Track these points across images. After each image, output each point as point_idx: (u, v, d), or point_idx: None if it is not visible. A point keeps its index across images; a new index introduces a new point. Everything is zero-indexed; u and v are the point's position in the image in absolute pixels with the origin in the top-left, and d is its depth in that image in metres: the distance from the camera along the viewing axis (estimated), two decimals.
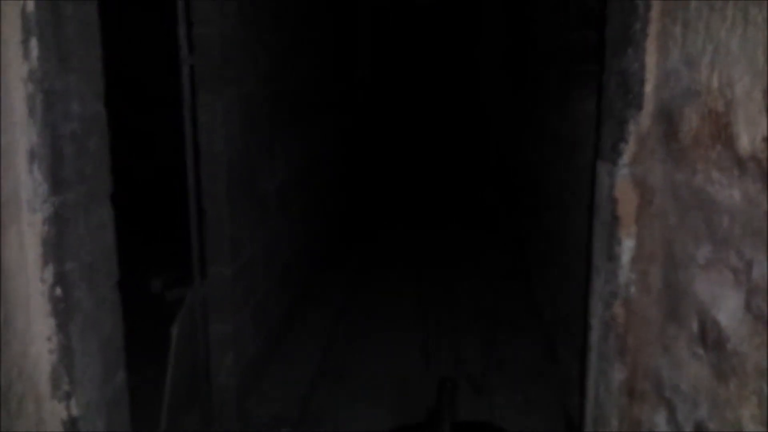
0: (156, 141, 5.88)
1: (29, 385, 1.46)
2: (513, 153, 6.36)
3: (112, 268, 1.69)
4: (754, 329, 1.01)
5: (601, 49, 1.64)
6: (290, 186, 3.95)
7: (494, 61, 7.38)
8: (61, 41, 1.42)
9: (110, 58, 1.67)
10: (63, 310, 1.46)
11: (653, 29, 1.39)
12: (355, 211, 6.46)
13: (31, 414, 1.47)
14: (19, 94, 1.35)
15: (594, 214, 1.65)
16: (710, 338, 1.15)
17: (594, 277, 1.64)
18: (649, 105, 1.42)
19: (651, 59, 1.40)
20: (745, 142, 1.02)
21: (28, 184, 1.39)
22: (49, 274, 1.43)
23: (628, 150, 1.47)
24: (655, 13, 1.38)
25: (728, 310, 1.08)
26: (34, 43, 1.34)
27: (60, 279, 1.44)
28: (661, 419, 1.38)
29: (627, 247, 1.50)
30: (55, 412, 1.49)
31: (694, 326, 1.21)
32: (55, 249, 1.43)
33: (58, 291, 1.45)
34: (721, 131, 1.10)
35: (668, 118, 1.33)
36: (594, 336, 1.64)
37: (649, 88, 1.41)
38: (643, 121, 1.43)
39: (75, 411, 1.50)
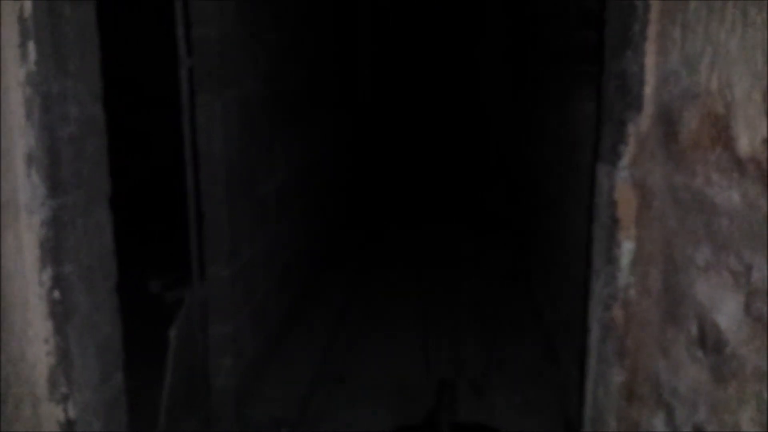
0: (155, 142, 5.88)
1: (27, 387, 1.46)
2: (513, 153, 6.36)
3: (111, 270, 1.69)
4: (753, 332, 1.01)
5: (600, 51, 1.64)
6: (290, 186, 3.95)
7: (495, 60, 7.38)
8: (58, 44, 1.42)
9: (108, 59, 1.66)
10: (61, 313, 1.45)
11: (652, 31, 1.38)
12: (355, 211, 6.46)
13: (28, 416, 1.46)
14: (16, 97, 1.35)
15: (593, 216, 1.65)
16: (709, 341, 1.15)
17: (593, 279, 1.63)
18: (648, 107, 1.42)
19: (650, 61, 1.39)
20: (744, 144, 1.02)
21: (26, 187, 1.38)
22: (47, 276, 1.43)
23: (628, 152, 1.46)
24: (654, 14, 1.38)
25: (727, 312, 1.08)
26: (31, 46, 1.34)
27: (58, 281, 1.44)
28: (659, 422, 1.38)
29: (626, 249, 1.49)
30: (53, 414, 1.49)
31: (694, 329, 1.21)
32: (53, 251, 1.42)
33: (56, 293, 1.44)
34: (721, 133, 1.09)
35: (668, 120, 1.33)
36: (593, 338, 1.64)
37: (648, 89, 1.41)
38: (643, 122, 1.43)
39: (72, 413, 1.50)
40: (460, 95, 8.99)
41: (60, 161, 1.42)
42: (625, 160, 1.48)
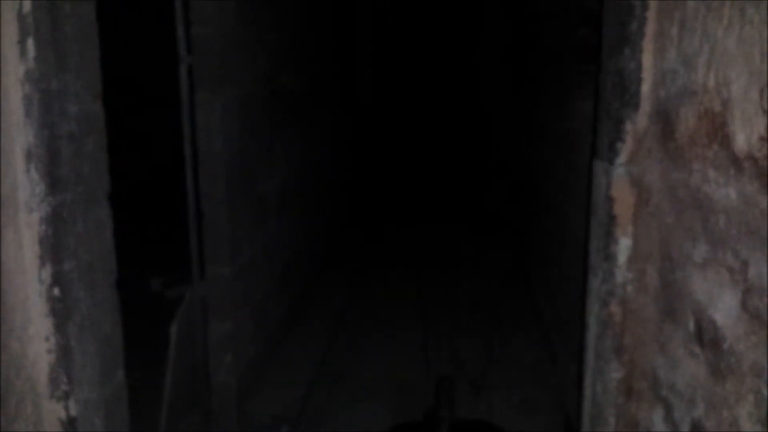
0: (154, 141, 5.89)
1: (28, 385, 1.46)
2: (513, 153, 6.36)
3: (111, 267, 1.69)
4: (750, 328, 1.01)
5: (598, 49, 1.65)
6: (290, 186, 3.95)
7: (495, 60, 7.38)
8: (58, 41, 1.42)
9: (108, 58, 1.67)
10: (61, 310, 1.46)
11: (650, 29, 1.39)
12: (355, 211, 6.46)
13: (29, 414, 1.47)
14: (16, 94, 1.35)
15: (591, 214, 1.65)
16: (707, 337, 1.15)
17: (591, 276, 1.64)
18: (645, 105, 1.42)
19: (648, 59, 1.40)
20: (741, 141, 1.02)
21: (26, 184, 1.39)
22: (47, 274, 1.43)
23: (625, 149, 1.47)
24: (651, 12, 1.38)
25: (724, 309, 1.08)
26: (30, 43, 1.34)
27: (58, 279, 1.45)
28: (657, 418, 1.38)
29: (624, 246, 1.50)
30: (54, 411, 1.50)
31: (691, 325, 1.21)
32: (53, 249, 1.43)
33: (56, 291, 1.45)
34: (718, 131, 1.10)
35: (665, 118, 1.33)
36: (591, 335, 1.64)
37: (645, 87, 1.42)
38: (640, 120, 1.43)
39: (73, 410, 1.50)
40: (460, 95, 8.99)
41: (59, 158, 1.43)
42: (622, 158, 1.48)
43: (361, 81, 7.21)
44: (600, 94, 1.62)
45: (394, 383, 3.39)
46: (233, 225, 2.93)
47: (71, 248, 1.48)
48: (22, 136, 1.37)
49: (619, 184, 1.49)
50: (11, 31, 1.33)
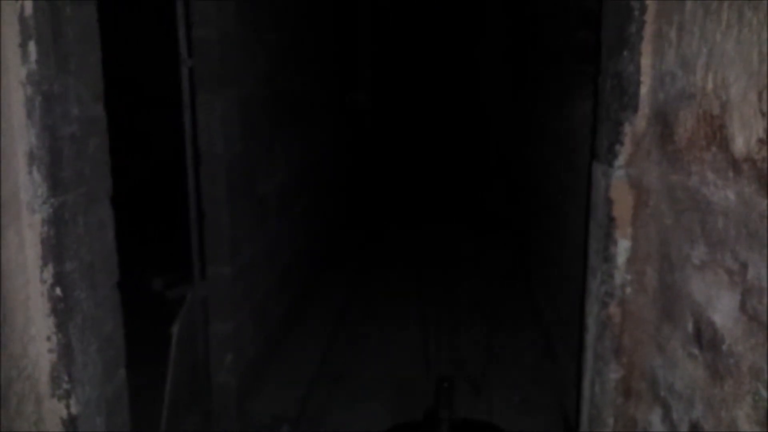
0: (156, 141, 5.90)
1: (29, 384, 1.47)
2: (513, 153, 6.37)
3: (113, 267, 1.70)
4: (749, 330, 1.02)
5: (597, 51, 1.65)
6: (290, 186, 3.96)
7: (495, 60, 7.38)
8: (59, 44, 1.43)
9: (109, 59, 1.68)
10: (63, 310, 1.46)
11: (648, 31, 1.39)
12: (355, 211, 6.47)
13: (30, 413, 1.47)
14: (17, 96, 1.35)
15: (590, 215, 1.66)
16: (705, 338, 1.16)
17: (590, 278, 1.64)
18: (644, 107, 1.43)
19: (646, 61, 1.40)
20: (740, 143, 1.03)
21: (28, 185, 1.39)
22: (48, 274, 1.44)
23: (624, 151, 1.47)
24: (650, 15, 1.39)
25: (723, 310, 1.09)
26: (32, 45, 1.35)
27: (59, 279, 1.45)
28: (656, 418, 1.39)
29: (623, 247, 1.50)
30: (55, 410, 1.50)
31: (690, 326, 1.22)
32: (55, 249, 1.44)
33: (58, 291, 1.46)
34: (716, 133, 1.10)
35: (664, 120, 1.34)
36: (590, 336, 1.65)
37: (644, 90, 1.42)
38: (639, 122, 1.44)
39: (75, 409, 1.51)
40: (460, 95, 8.99)
41: (61, 160, 1.43)
42: (621, 160, 1.49)
43: (361, 81, 7.22)
44: (599, 97, 1.63)
45: (394, 383, 3.40)
46: (234, 225, 2.94)
47: (73, 249, 1.49)
48: (24, 138, 1.37)
49: (618, 186, 1.50)
50: (13, 33, 1.33)
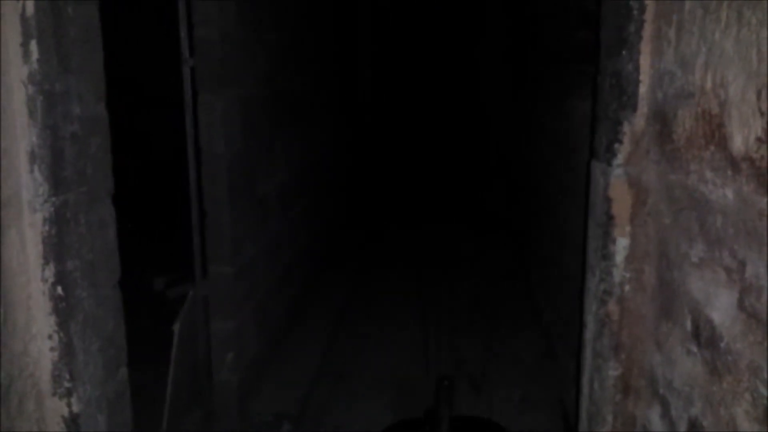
0: (157, 141, 5.90)
1: (30, 383, 1.47)
2: (513, 153, 6.37)
3: (114, 266, 1.71)
4: (747, 327, 1.02)
5: (596, 51, 1.66)
6: (291, 186, 3.96)
7: (495, 60, 7.39)
8: (61, 43, 1.43)
9: (111, 59, 1.68)
10: (64, 309, 1.47)
11: (647, 31, 1.40)
12: (355, 211, 6.47)
13: (32, 412, 1.48)
14: (19, 96, 1.36)
15: (589, 214, 1.66)
16: (704, 336, 1.16)
17: (589, 276, 1.65)
18: (643, 106, 1.43)
19: (645, 61, 1.41)
20: (738, 142, 1.03)
21: (29, 184, 1.40)
22: (50, 273, 1.44)
23: (623, 150, 1.48)
24: (649, 15, 1.39)
25: (721, 308, 1.09)
26: (33, 45, 1.35)
27: (61, 278, 1.46)
28: (655, 416, 1.39)
29: (621, 246, 1.51)
30: (56, 409, 1.51)
31: (688, 324, 1.22)
32: (56, 248, 1.44)
33: (59, 290, 1.46)
34: (715, 132, 1.11)
35: (662, 119, 1.34)
36: (589, 333, 1.66)
37: (643, 89, 1.42)
38: (638, 121, 1.44)
39: (76, 408, 1.51)
40: (460, 95, 9.00)
41: (63, 159, 1.44)
42: (620, 159, 1.49)
43: (361, 81, 7.22)
44: (598, 96, 1.63)
45: (395, 382, 3.40)
46: (235, 225, 2.94)
47: (74, 248, 1.50)
48: (25, 138, 1.38)
49: (616, 184, 1.51)
50: (14, 33, 1.34)
